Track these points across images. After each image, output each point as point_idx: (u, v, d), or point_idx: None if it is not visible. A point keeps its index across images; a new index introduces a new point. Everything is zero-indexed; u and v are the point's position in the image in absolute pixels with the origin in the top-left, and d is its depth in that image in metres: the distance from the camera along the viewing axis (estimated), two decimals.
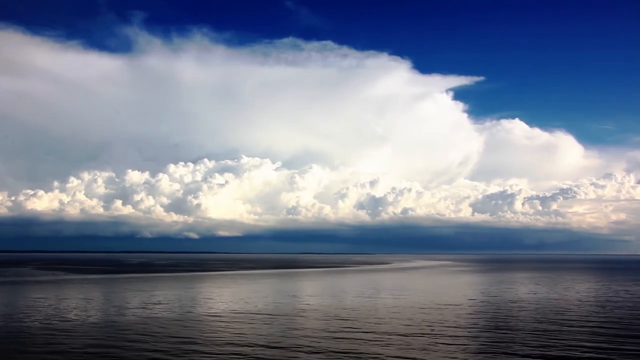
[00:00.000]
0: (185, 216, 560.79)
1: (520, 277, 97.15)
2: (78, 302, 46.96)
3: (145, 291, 59.97)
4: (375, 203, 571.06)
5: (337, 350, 25.69)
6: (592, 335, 30.17)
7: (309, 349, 26.16)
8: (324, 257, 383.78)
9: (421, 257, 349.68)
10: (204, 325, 33.79)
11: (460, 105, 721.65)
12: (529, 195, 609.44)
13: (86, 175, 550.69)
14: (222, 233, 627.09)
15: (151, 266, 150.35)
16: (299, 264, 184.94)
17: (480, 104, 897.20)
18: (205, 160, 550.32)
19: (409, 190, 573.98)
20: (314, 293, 59.53)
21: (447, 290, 63.29)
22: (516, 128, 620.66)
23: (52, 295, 55.15)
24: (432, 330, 31.81)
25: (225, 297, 52.87)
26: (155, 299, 49.89)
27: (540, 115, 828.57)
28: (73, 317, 37.14)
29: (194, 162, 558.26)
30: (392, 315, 38.82)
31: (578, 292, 61.04)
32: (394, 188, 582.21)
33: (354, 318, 37.01)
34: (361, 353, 25.20)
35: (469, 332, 31.40)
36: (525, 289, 64.77)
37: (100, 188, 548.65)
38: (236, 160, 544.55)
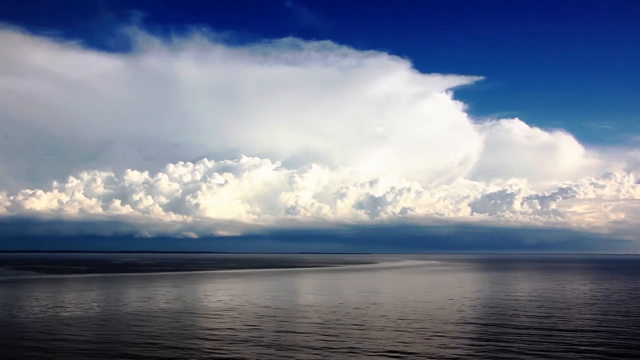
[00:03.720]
0: (185, 216, 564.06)
1: (491, 276, 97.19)
2: (16, 301, 47.57)
3: (92, 291, 60.53)
4: (374, 203, 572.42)
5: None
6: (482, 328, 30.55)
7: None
8: (317, 257, 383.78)
9: (415, 257, 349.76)
10: (115, 324, 34.21)
11: (460, 105, 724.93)
12: (529, 195, 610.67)
13: (85, 175, 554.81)
14: (221, 233, 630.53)
15: (132, 266, 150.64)
16: (285, 263, 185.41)
17: (480, 103, 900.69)
18: (205, 160, 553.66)
19: (409, 190, 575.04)
20: (259, 292, 59.91)
21: (399, 289, 63.48)
22: (516, 128, 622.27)
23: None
24: (328, 328, 32.17)
25: (166, 297, 53.15)
26: (91, 298, 50.44)
27: (540, 115, 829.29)
28: None
29: (194, 162, 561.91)
30: (307, 313, 39.24)
31: (522, 290, 61.04)
32: (393, 188, 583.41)
33: (272, 315, 37.50)
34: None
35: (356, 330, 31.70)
36: (473, 288, 64.96)
37: (99, 188, 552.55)
38: (236, 160, 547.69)
